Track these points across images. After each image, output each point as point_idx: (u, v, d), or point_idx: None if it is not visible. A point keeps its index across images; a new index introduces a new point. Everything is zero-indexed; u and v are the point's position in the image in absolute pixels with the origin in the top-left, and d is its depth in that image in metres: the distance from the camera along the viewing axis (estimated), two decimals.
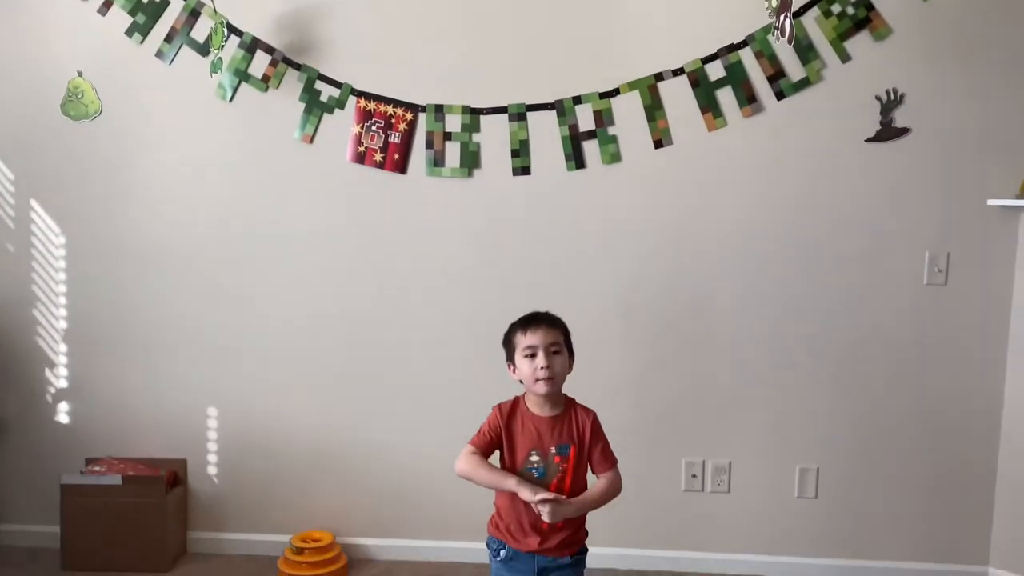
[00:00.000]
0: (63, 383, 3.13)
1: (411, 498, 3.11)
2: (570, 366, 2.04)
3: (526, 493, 1.90)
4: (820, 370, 2.98)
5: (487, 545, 2.06)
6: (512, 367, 2.04)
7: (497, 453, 2.04)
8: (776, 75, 2.86)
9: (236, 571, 3.00)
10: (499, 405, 2.05)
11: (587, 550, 2.05)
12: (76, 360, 3.12)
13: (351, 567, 3.04)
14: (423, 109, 2.95)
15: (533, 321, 2.02)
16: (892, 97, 2.84)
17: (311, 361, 3.08)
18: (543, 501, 1.88)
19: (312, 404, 3.10)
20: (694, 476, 3.05)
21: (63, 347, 3.12)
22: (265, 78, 2.95)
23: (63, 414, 3.15)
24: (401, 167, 2.98)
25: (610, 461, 2.03)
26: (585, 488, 2.01)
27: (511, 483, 1.93)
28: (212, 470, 3.15)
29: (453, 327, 3.03)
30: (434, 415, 3.05)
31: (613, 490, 2.02)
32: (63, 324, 3.11)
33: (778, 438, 3.02)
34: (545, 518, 1.90)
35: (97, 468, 3.02)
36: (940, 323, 2.93)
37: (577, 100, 2.92)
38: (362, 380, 3.08)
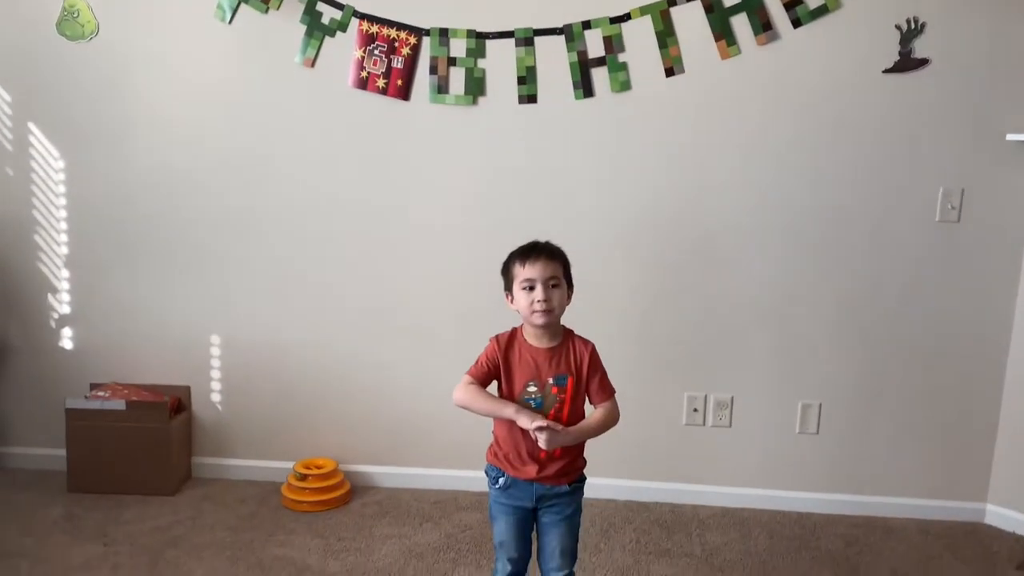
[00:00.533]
0: (66, 309, 3.13)
1: (413, 427, 3.13)
2: (569, 298, 2.01)
3: (524, 420, 1.90)
4: (826, 306, 2.95)
5: (485, 473, 2.07)
6: (510, 297, 2.02)
7: (495, 384, 2.03)
8: (793, 2, 2.76)
9: (240, 496, 3.04)
10: (496, 336, 2.03)
11: (585, 479, 2.06)
12: (78, 285, 3.11)
13: (354, 494, 3.08)
14: (427, 33, 2.86)
15: (532, 252, 1.98)
16: (913, 26, 2.74)
17: (314, 291, 3.07)
18: (540, 428, 1.87)
19: (315, 334, 3.10)
20: (695, 410, 3.06)
21: (65, 272, 3.10)
22: None
23: (67, 340, 3.15)
24: (404, 93, 2.91)
25: (608, 391, 2.02)
26: (583, 419, 2.00)
27: (509, 411, 1.92)
28: (216, 397, 3.17)
29: (456, 257, 3.00)
30: (436, 346, 3.05)
31: (610, 420, 2.01)
32: (64, 249, 3.09)
33: (781, 374, 3.01)
34: (542, 445, 1.90)
35: (101, 393, 3.03)
36: (950, 262, 2.88)
37: (587, 25, 2.82)
38: (364, 311, 3.07)
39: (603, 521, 2.91)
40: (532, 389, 1.97)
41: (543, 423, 1.88)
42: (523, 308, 1.96)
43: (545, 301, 1.93)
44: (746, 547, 2.78)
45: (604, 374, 2.03)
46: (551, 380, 1.97)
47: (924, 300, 2.92)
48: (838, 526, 2.94)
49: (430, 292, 3.04)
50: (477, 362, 2.01)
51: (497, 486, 2.02)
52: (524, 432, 1.93)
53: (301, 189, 3.00)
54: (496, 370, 1.99)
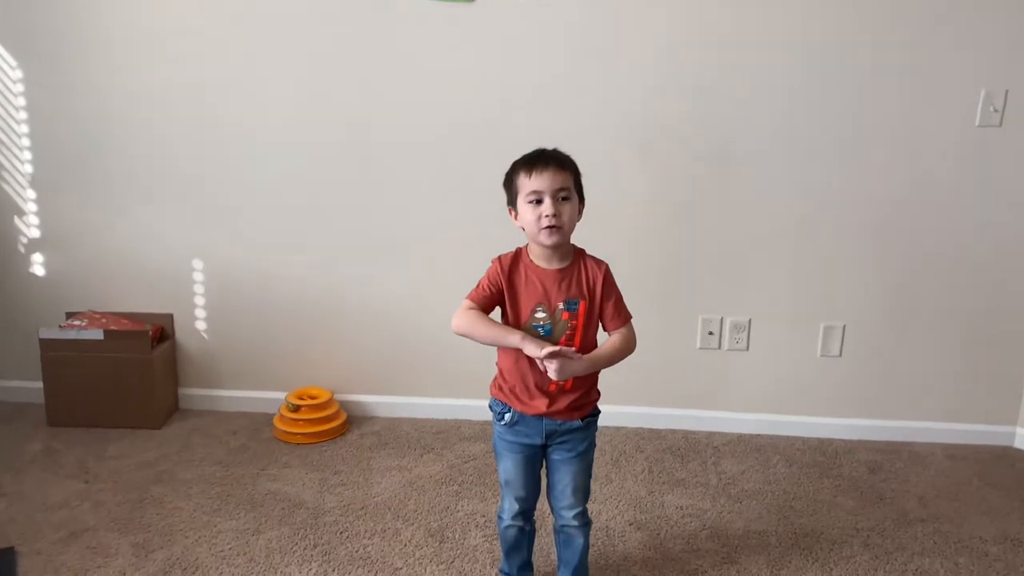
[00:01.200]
0: (35, 232, 2.91)
1: (412, 355, 2.96)
2: (580, 213, 1.80)
3: (532, 348, 1.70)
4: (853, 220, 2.74)
5: (490, 408, 1.89)
6: (513, 213, 1.80)
7: (499, 311, 1.82)
8: None
9: (230, 428, 2.88)
10: (499, 257, 1.81)
11: (599, 412, 1.88)
12: (47, 208, 2.88)
13: (350, 425, 2.92)
14: None
15: (539, 161, 1.74)
16: None
17: (303, 211, 2.84)
18: (551, 356, 1.68)
19: (305, 257, 2.89)
20: (711, 334, 2.87)
21: (31, 193, 2.87)
22: None
23: (38, 266, 2.94)
24: None
25: (623, 316, 1.82)
26: (595, 347, 1.81)
27: (515, 338, 1.73)
28: (201, 325, 2.98)
29: (455, 174, 2.77)
30: (435, 270, 2.85)
31: (627, 348, 1.82)
32: (28, 168, 2.85)
33: (802, 294, 2.82)
34: (552, 375, 1.71)
35: (77, 323, 2.84)
36: (990, 170, 2.66)
37: None
38: (359, 231, 2.85)
39: (613, 450, 2.76)
40: (540, 315, 1.77)
41: (553, 349, 1.68)
42: (529, 225, 1.75)
43: (554, 216, 1.71)
44: (764, 475, 2.63)
45: (620, 297, 1.82)
46: (561, 305, 1.76)
47: (959, 213, 2.71)
48: (861, 452, 2.80)
49: (429, 210, 2.82)
50: (478, 285, 1.80)
51: (503, 422, 1.85)
52: (532, 362, 1.74)
53: (286, 103, 2.75)
54: (499, 294, 1.78)
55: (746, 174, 2.72)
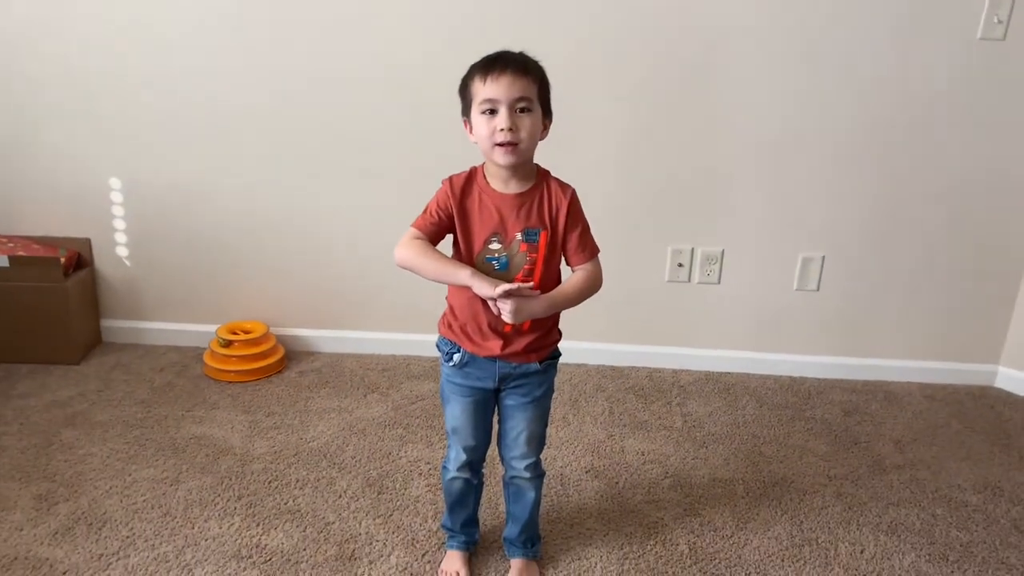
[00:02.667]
0: None
1: (357, 285, 2.71)
2: (546, 128, 1.53)
3: (483, 287, 1.46)
4: (837, 141, 2.50)
5: (437, 347, 1.66)
6: (468, 125, 1.53)
7: (450, 239, 1.57)
8: None
9: (156, 364, 2.64)
10: (450, 178, 1.55)
11: (559, 355, 1.66)
12: None
13: (289, 361, 2.70)
14: None
15: (497, 65, 1.46)
16: None
17: (233, 123, 2.54)
18: (505, 295, 1.45)
19: (237, 175, 2.60)
20: (680, 265, 2.66)
21: None
22: None
23: None
24: None
25: (590, 250, 1.58)
26: (558, 283, 1.58)
27: (463, 275, 1.48)
28: (122, 251, 2.70)
29: (403, 85, 2.48)
30: (382, 191, 2.57)
31: (592, 286, 1.58)
32: None
33: (778, 223, 2.60)
34: (507, 318, 1.48)
35: None
36: (990, 88, 2.42)
37: None
38: (296, 146, 2.56)
39: (572, 390, 2.57)
40: (495, 246, 1.52)
41: (508, 288, 1.45)
42: (483, 140, 1.48)
43: (510, 131, 1.44)
44: (732, 417, 2.46)
45: (587, 228, 1.57)
46: (519, 235, 1.51)
47: (953, 135, 2.48)
48: (835, 392, 2.64)
49: (371, 130, 2.53)
50: (425, 210, 1.54)
51: (451, 363, 1.62)
52: (485, 301, 1.51)
53: (214, 13, 2.43)
54: (450, 220, 1.53)
55: (720, 89, 2.46)
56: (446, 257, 1.53)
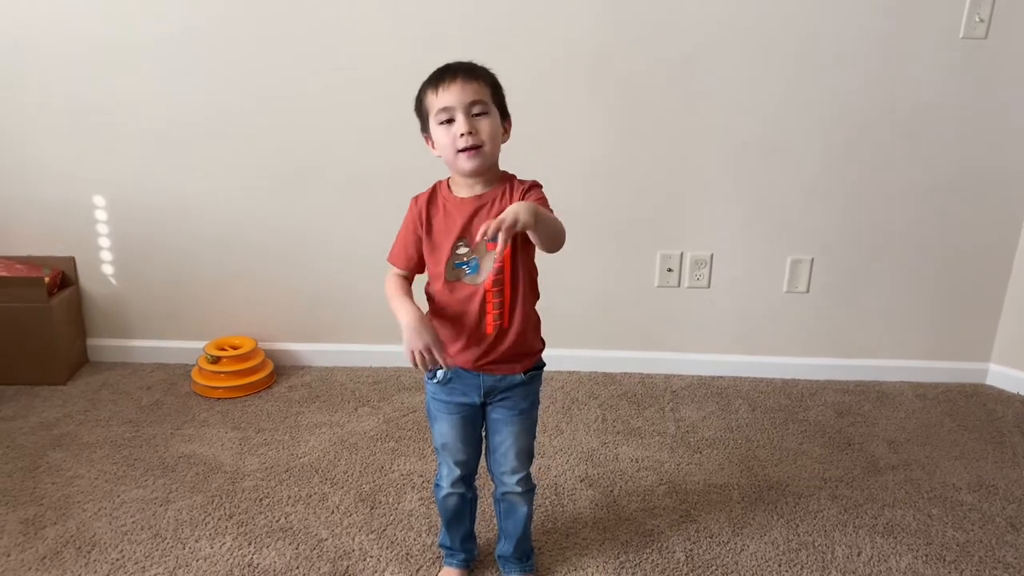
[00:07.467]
0: None
1: (346, 298, 2.70)
2: (506, 131, 1.53)
3: (415, 334, 1.46)
4: (823, 145, 2.50)
5: None
6: (430, 141, 1.53)
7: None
8: None
9: (144, 383, 2.62)
10: (415, 198, 1.56)
11: (543, 365, 1.65)
12: None
13: (278, 376, 2.67)
14: None
15: (446, 74, 1.47)
16: None
17: (220, 138, 2.53)
18: (483, 236, 1.34)
19: (223, 190, 2.59)
20: (670, 270, 2.65)
21: None
22: None
23: None
24: None
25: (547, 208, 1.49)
26: (533, 280, 1.57)
27: (399, 314, 1.49)
28: (107, 269, 2.68)
29: (384, 102, 2.45)
30: (365, 206, 2.56)
31: (561, 226, 1.47)
32: None
33: (768, 226, 2.60)
34: (498, 238, 1.33)
35: None
36: (973, 87, 2.43)
37: None
38: (285, 161, 2.55)
39: (565, 397, 2.56)
40: (462, 251, 1.51)
41: (487, 225, 1.33)
42: (445, 150, 1.47)
43: (471, 134, 1.44)
44: (726, 422, 2.45)
45: (543, 199, 1.50)
46: None
47: (938, 134, 2.48)
48: (828, 393, 2.63)
49: (360, 138, 2.51)
50: (397, 239, 1.57)
51: (435, 380, 1.61)
52: (462, 307, 1.52)
53: (198, 9, 2.40)
54: (421, 239, 1.54)
55: (707, 92, 2.46)
56: (400, 295, 1.54)
